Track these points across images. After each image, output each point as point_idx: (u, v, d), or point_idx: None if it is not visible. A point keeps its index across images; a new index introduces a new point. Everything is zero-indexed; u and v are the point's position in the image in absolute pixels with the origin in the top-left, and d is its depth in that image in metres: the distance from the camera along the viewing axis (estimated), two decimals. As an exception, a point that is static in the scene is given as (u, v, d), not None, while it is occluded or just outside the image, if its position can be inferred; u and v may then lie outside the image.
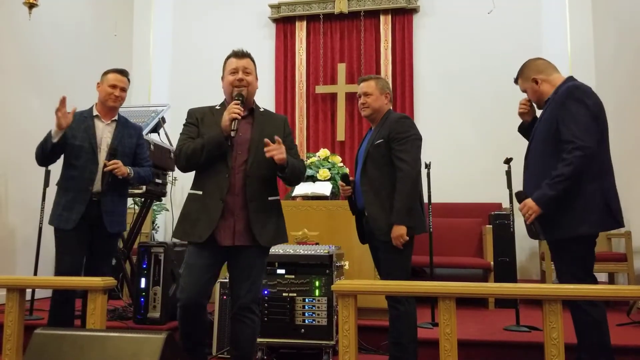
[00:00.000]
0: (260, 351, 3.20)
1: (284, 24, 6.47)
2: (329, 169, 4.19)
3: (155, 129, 4.25)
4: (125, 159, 3.14)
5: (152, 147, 3.97)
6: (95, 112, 3.20)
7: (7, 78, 4.66)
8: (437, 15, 6.17)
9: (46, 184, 3.85)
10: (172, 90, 6.52)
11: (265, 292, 3.22)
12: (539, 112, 2.72)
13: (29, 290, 3.20)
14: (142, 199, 4.26)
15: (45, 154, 3.07)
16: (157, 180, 3.99)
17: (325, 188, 4.04)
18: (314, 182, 4.15)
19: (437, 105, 6.01)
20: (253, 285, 2.48)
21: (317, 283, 3.19)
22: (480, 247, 5.01)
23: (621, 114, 4.83)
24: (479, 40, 5.97)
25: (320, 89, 6.26)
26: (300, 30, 6.41)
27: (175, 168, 2.77)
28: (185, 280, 2.41)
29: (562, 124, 2.43)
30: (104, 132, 3.18)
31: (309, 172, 4.22)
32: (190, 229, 2.44)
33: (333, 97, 6.26)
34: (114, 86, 3.17)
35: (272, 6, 6.47)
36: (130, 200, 5.00)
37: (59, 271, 3.08)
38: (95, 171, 3.09)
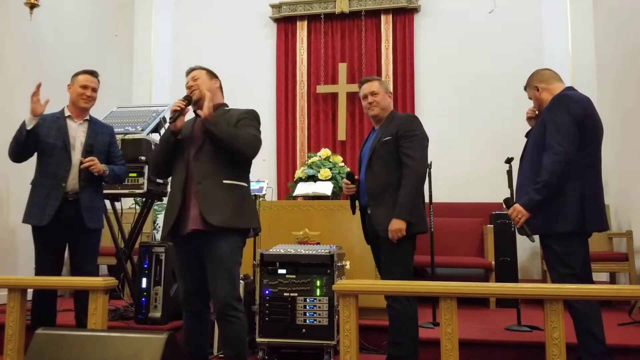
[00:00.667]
0: (262, 351, 3.19)
1: (285, 23, 6.47)
2: (330, 169, 4.19)
3: (156, 129, 4.23)
4: (100, 156, 3.18)
5: (153, 147, 3.97)
6: (67, 113, 3.24)
7: (7, 78, 4.66)
8: (438, 14, 6.16)
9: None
10: (173, 90, 6.50)
11: (267, 291, 3.22)
12: None
13: (30, 291, 3.19)
14: (143, 199, 4.26)
15: (19, 144, 3.07)
16: (158, 180, 3.99)
17: (326, 188, 4.04)
18: (315, 181, 4.15)
19: (438, 104, 6.00)
20: (229, 279, 2.46)
21: (318, 283, 3.18)
22: (482, 247, 5.00)
23: (622, 114, 4.83)
24: (480, 39, 5.96)
25: (321, 89, 6.26)
26: (301, 30, 6.41)
27: None
28: (179, 285, 2.50)
29: (547, 129, 2.62)
30: (77, 132, 3.22)
31: (310, 172, 4.22)
32: (165, 225, 2.58)
33: (334, 96, 6.26)
34: (85, 87, 3.20)
35: (273, 6, 6.47)
36: (131, 200, 5.01)
37: (39, 271, 3.10)
38: (68, 169, 3.12)
